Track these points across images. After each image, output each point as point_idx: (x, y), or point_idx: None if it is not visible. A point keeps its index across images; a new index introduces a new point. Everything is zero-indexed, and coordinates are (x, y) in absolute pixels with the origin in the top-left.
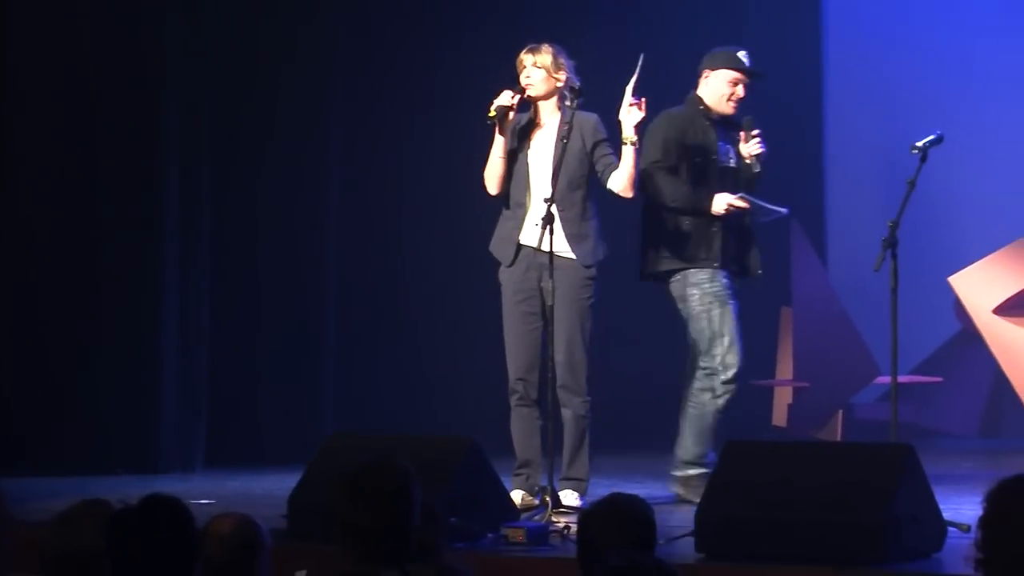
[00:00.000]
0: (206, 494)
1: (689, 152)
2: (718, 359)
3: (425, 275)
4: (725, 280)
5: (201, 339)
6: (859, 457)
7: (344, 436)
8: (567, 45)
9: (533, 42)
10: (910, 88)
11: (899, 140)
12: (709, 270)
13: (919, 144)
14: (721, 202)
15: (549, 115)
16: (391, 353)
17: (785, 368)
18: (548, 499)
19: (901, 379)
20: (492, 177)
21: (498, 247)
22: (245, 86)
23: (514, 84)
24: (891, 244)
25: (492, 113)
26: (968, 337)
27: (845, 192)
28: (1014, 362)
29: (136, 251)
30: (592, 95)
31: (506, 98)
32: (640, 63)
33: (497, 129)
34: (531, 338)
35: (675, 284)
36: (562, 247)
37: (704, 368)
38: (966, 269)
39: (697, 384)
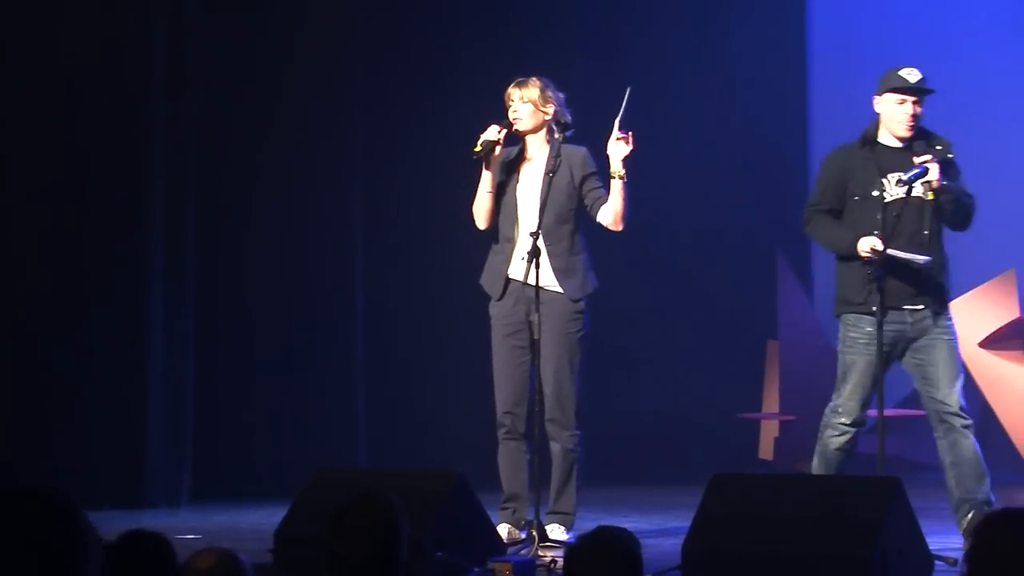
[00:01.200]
0: (192, 528)
1: (848, 189)
2: (839, 401)
3: (414, 306)
4: (870, 329)
5: (187, 373)
6: (846, 490)
7: (331, 470)
8: (555, 76)
9: (521, 75)
10: None
11: None
12: (854, 315)
13: (904, 177)
14: (864, 245)
15: (538, 149)
16: (378, 386)
17: (771, 401)
18: (535, 533)
19: (888, 412)
20: (480, 212)
21: (488, 281)
22: (235, 93)
23: (502, 118)
24: (876, 278)
25: (478, 148)
26: None
27: None
28: (1000, 395)
29: (122, 287)
30: (582, 126)
31: (492, 133)
32: (627, 97)
33: (484, 164)
34: (520, 372)
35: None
36: (550, 281)
37: (831, 404)
38: (951, 302)
39: (824, 420)
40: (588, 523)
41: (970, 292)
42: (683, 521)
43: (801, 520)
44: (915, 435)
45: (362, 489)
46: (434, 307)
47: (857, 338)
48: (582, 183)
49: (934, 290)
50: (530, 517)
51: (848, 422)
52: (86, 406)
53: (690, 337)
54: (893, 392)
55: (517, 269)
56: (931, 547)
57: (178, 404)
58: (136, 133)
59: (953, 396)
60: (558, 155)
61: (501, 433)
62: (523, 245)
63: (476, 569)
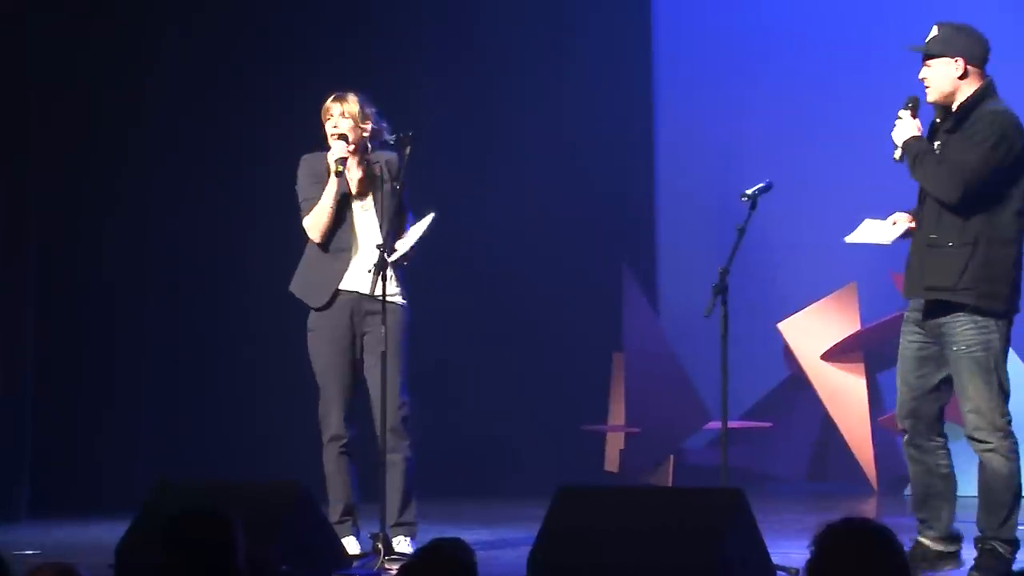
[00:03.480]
0: (31, 544)
1: None
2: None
3: (245, 319)
4: (905, 328)
5: (26, 386)
6: (690, 502)
7: (173, 483)
8: (396, 85)
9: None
10: (741, 136)
11: (730, 187)
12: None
13: (749, 192)
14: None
15: (356, 164)
16: (218, 398)
17: (617, 413)
18: (380, 546)
19: (731, 424)
20: (320, 224)
21: (308, 290)
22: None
23: (320, 129)
24: (721, 290)
25: (339, 168)
26: (797, 382)
27: (676, 238)
28: (841, 407)
29: None
30: (422, 141)
31: (341, 149)
32: (429, 222)
33: (338, 180)
34: (353, 384)
35: None
36: (391, 290)
37: None
38: (794, 315)
39: None
40: (432, 535)
41: (812, 306)
42: (528, 533)
43: (645, 532)
44: (758, 447)
45: (196, 503)
46: (264, 318)
47: (904, 332)
48: (395, 183)
49: (943, 279)
50: (375, 530)
51: (906, 441)
52: None
53: (536, 349)
54: (737, 404)
55: (354, 280)
56: (773, 558)
57: (16, 416)
58: None
59: (967, 416)
60: (380, 165)
61: (335, 446)
62: (363, 257)
63: None
